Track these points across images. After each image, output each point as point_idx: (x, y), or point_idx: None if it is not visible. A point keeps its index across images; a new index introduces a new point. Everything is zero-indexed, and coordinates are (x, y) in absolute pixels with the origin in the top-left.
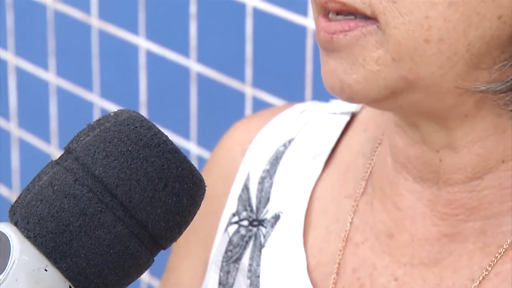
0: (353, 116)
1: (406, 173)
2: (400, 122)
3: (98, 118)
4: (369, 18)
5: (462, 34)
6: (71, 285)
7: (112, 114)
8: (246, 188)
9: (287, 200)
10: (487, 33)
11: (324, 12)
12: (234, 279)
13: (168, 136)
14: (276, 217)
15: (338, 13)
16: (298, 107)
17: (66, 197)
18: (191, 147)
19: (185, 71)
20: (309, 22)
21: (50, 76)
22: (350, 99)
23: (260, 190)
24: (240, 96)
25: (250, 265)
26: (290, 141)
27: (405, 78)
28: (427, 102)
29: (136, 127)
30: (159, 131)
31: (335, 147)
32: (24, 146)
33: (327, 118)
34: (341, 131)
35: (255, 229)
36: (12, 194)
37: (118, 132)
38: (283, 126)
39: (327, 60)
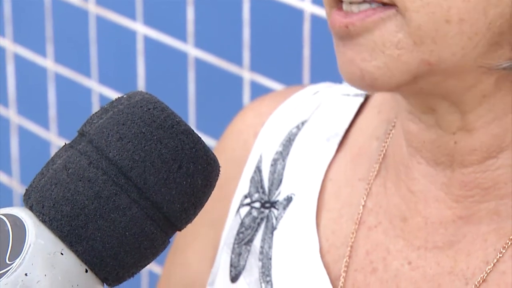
0: (367, 98)
1: (420, 157)
2: (414, 109)
3: (111, 101)
4: (387, 4)
5: (482, 13)
6: (87, 268)
7: (125, 96)
8: (258, 170)
9: (300, 182)
10: (507, 10)
11: (337, 5)
12: (246, 261)
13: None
14: (289, 199)
15: (351, 2)
16: (310, 88)
17: (80, 180)
18: None
19: (183, 56)
20: (306, 5)
21: (48, 63)
22: (370, 87)
23: (272, 172)
24: (238, 80)
25: (262, 247)
26: (303, 123)
27: (427, 61)
28: (447, 83)
29: (149, 109)
30: (173, 112)
31: (348, 129)
32: (23, 133)
33: (340, 100)
34: (354, 113)
35: (267, 211)
36: (11, 181)
37: (131, 114)
38: (296, 108)
39: (344, 50)
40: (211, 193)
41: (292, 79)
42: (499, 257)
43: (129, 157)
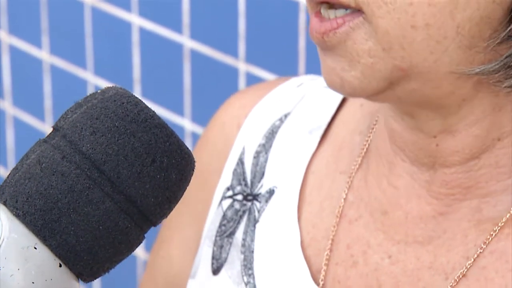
0: None
1: (404, 156)
2: (395, 110)
3: (85, 96)
4: (354, 10)
5: (449, 17)
6: (61, 263)
7: (99, 91)
8: (241, 162)
9: (282, 175)
10: (476, 14)
11: (316, 9)
12: (228, 253)
13: (157, 112)
14: (271, 192)
15: (329, 6)
16: (294, 80)
17: (54, 175)
18: (185, 124)
19: (178, 47)
20: None
21: (43, 54)
22: (350, 94)
23: (255, 165)
24: (234, 71)
25: (244, 239)
26: (286, 115)
27: (399, 67)
28: (424, 90)
29: (123, 103)
30: (146, 106)
31: (331, 122)
32: (19, 124)
33: (323, 92)
34: (337, 106)
35: (249, 203)
36: (7, 173)
37: (105, 108)
38: (280, 100)
39: (325, 59)
40: (186, 187)
41: (288, 71)
42: (480, 252)
43: (102, 151)
